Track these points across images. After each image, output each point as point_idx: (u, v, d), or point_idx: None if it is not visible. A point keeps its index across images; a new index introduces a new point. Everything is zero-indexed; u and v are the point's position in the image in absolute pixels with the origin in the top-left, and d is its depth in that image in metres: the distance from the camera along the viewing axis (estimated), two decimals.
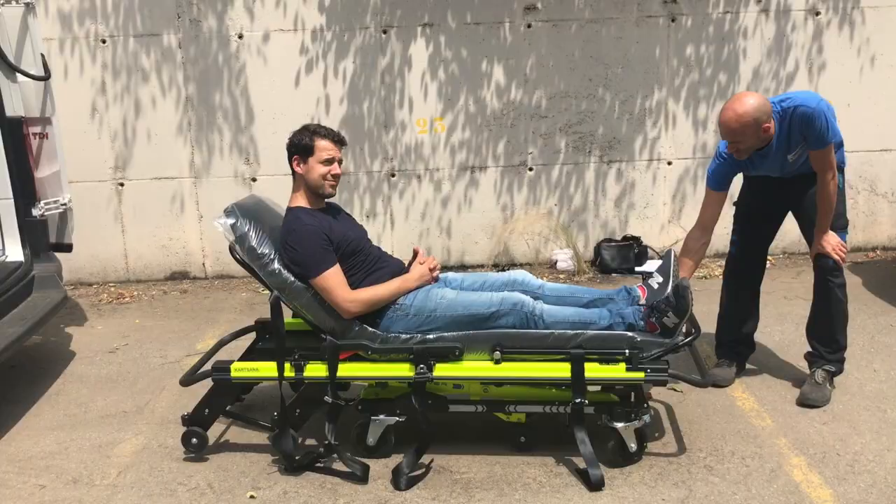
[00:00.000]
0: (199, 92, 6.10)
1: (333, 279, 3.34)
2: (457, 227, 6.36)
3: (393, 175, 6.25)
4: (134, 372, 4.60)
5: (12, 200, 4.59)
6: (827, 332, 3.93)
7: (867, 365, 4.27)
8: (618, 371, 3.25)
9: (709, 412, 3.82)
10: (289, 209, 3.54)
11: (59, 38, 5.98)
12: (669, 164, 6.27)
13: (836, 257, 3.75)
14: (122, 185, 6.21)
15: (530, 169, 6.27)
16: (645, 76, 6.13)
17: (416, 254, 3.68)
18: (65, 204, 4.95)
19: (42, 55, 4.84)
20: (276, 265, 3.39)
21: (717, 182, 3.87)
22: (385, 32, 6.03)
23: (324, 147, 3.47)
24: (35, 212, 4.65)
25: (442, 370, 3.31)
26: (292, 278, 3.38)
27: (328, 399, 3.35)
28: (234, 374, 3.44)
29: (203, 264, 6.40)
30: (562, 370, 3.26)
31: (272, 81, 6.06)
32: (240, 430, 3.79)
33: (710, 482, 3.20)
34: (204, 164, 6.21)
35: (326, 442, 3.35)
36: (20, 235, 4.63)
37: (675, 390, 4.05)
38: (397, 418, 3.42)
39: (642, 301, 3.43)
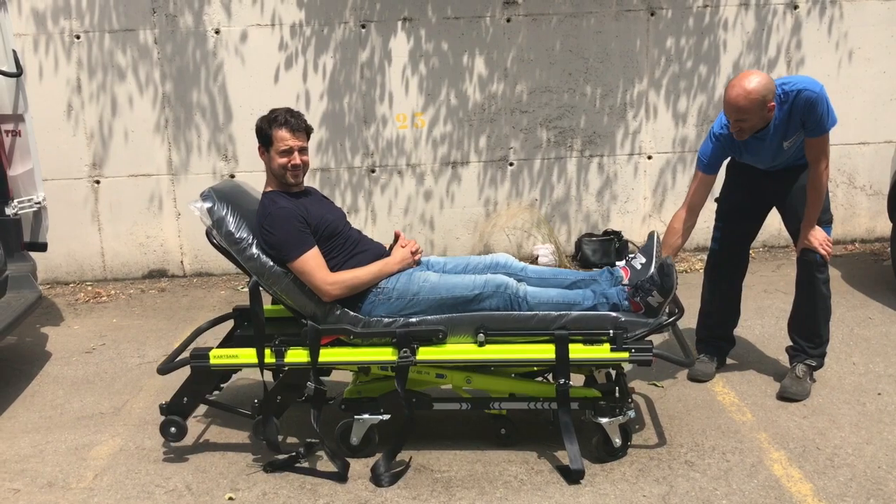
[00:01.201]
0: (177, 89, 6.03)
1: (312, 262, 3.29)
2: (439, 222, 6.34)
3: (373, 171, 6.21)
4: (111, 372, 4.54)
5: None
6: (810, 327, 3.93)
7: (846, 358, 4.28)
8: (602, 351, 3.23)
9: (689, 407, 3.82)
10: (264, 193, 3.48)
11: (34, 36, 5.89)
12: (650, 157, 6.27)
13: (823, 252, 3.76)
14: (98, 182, 6.14)
15: (511, 163, 6.25)
16: (625, 70, 6.12)
17: (397, 237, 3.63)
18: (39, 202, 4.88)
19: (14, 51, 4.76)
20: (254, 250, 3.33)
21: (709, 164, 3.81)
22: (364, 27, 5.99)
23: (281, 138, 3.40)
24: (8, 210, 4.59)
25: (426, 353, 3.27)
26: (271, 263, 3.32)
27: (310, 385, 3.30)
28: (213, 360, 3.39)
29: (181, 262, 6.34)
30: (546, 351, 3.24)
31: (250, 78, 6.01)
32: (218, 430, 3.75)
33: (691, 478, 3.20)
34: (182, 162, 6.14)
35: (307, 440, 3.32)
36: None
37: (655, 385, 4.05)
38: (381, 417, 3.39)
39: (625, 281, 3.42)
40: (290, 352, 3.33)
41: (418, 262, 3.55)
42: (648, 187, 6.34)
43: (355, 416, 3.40)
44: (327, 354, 3.33)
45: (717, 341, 4.19)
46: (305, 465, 3.38)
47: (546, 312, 3.28)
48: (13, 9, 5.72)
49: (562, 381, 3.24)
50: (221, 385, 3.79)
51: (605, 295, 3.35)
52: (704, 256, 4.37)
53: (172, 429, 3.46)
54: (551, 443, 3.47)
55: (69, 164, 6.08)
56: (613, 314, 3.27)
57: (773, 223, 4.07)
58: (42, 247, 4.95)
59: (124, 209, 6.20)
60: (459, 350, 3.30)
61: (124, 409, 4.05)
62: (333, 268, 3.35)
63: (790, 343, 4.02)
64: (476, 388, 3.44)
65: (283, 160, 3.40)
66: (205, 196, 3.40)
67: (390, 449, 3.31)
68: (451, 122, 6.17)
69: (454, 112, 6.15)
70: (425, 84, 6.10)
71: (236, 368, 3.56)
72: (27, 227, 4.83)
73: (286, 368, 3.39)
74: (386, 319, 3.33)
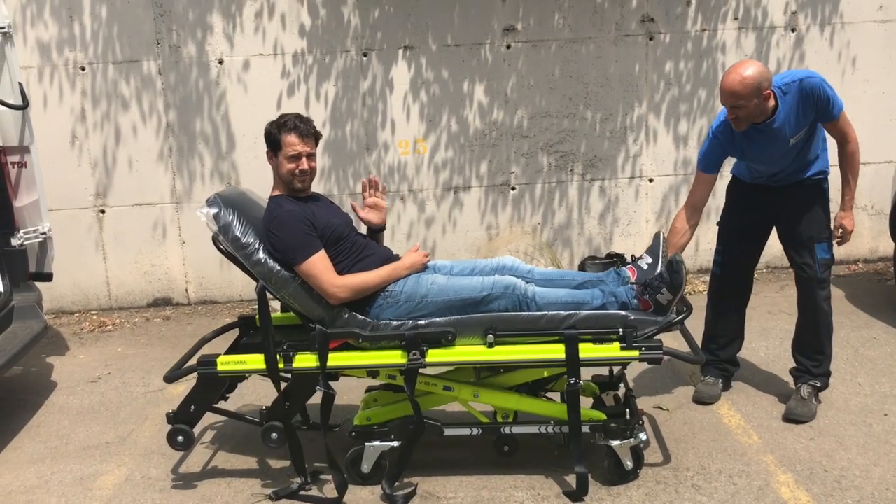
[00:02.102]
0: (180, 118, 6.09)
1: (319, 265, 3.28)
2: (441, 247, 6.36)
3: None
4: (116, 402, 4.55)
5: None
6: (813, 347, 3.93)
7: (852, 379, 4.28)
8: (612, 350, 3.22)
9: (695, 430, 3.81)
10: (271, 198, 3.49)
11: (38, 67, 5.96)
12: (651, 181, 6.30)
13: (842, 240, 3.87)
14: (103, 212, 6.17)
15: (513, 188, 6.28)
16: (624, 94, 6.16)
17: (365, 185, 3.65)
18: (44, 233, 4.91)
19: (20, 84, 4.81)
20: (261, 254, 3.32)
21: (709, 163, 3.81)
22: (366, 55, 6.05)
23: (290, 143, 3.40)
24: (14, 241, 4.62)
25: (435, 356, 3.25)
26: (278, 267, 3.31)
27: (319, 389, 3.29)
28: (220, 367, 3.36)
29: (186, 290, 6.36)
30: (556, 351, 3.22)
31: (253, 106, 6.06)
32: (225, 457, 3.75)
33: (698, 501, 3.19)
34: (185, 190, 6.18)
35: (315, 465, 3.31)
36: None
37: (661, 408, 4.05)
38: (391, 444, 3.38)
39: (632, 281, 3.41)
40: (298, 356, 3.31)
41: (426, 267, 3.54)
42: (651, 210, 6.36)
43: (366, 444, 3.39)
44: (336, 358, 3.30)
45: (723, 364, 4.19)
46: (312, 492, 3.37)
47: (555, 312, 3.26)
48: (19, 41, 5.79)
49: (572, 380, 3.22)
50: (226, 395, 3.73)
51: (614, 294, 3.33)
52: (707, 279, 4.37)
53: (180, 437, 3.43)
54: (557, 467, 3.46)
55: (74, 193, 6.12)
56: (622, 313, 3.25)
57: (777, 244, 4.07)
58: (47, 277, 4.97)
59: (129, 238, 6.23)
60: (469, 352, 3.28)
61: (130, 439, 4.05)
62: (341, 272, 3.34)
63: (794, 364, 4.02)
64: (483, 403, 3.42)
65: (291, 165, 3.42)
66: (210, 202, 3.41)
67: (399, 458, 3.29)
68: (452, 147, 6.21)
69: (455, 138, 6.19)
70: (426, 111, 6.15)
71: (244, 374, 3.53)
72: (33, 257, 4.85)
73: (292, 374, 3.36)
74: (394, 322, 3.32)
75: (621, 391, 3.72)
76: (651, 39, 6.09)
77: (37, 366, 5.20)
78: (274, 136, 3.44)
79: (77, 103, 6.03)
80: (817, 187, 3.86)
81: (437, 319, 3.30)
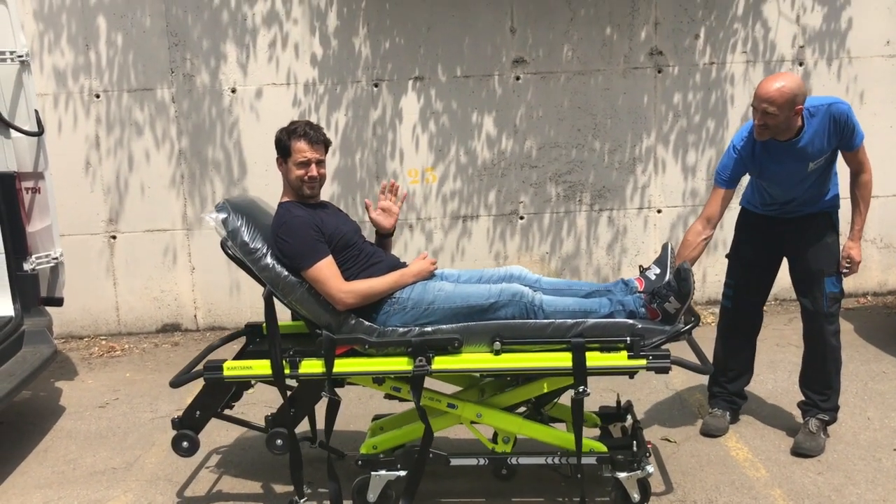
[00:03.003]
0: (192, 145, 6.15)
1: (326, 270, 3.28)
2: None
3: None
4: (124, 427, 4.56)
5: (3, 255, 4.59)
6: (820, 381, 3.91)
7: (861, 413, 4.25)
8: (619, 359, 3.19)
9: (703, 463, 3.79)
10: (280, 204, 3.51)
11: (54, 94, 6.05)
12: (659, 211, 6.32)
13: (849, 271, 3.85)
14: (114, 237, 6.23)
15: (521, 217, 6.31)
16: (633, 125, 6.20)
17: (377, 194, 3.67)
18: (56, 258, 4.96)
19: (36, 111, 4.89)
20: (269, 259, 3.33)
21: (727, 178, 3.80)
22: (377, 86, 6.11)
23: (299, 149, 3.43)
24: (26, 266, 4.66)
25: (441, 363, 3.24)
26: (285, 272, 3.32)
27: (325, 395, 3.29)
28: (226, 372, 3.36)
29: (195, 316, 6.38)
30: (563, 359, 3.20)
31: (265, 135, 6.10)
32: (231, 482, 3.75)
33: None
34: (196, 216, 6.23)
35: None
36: (10, 290, 4.62)
37: (668, 440, 4.03)
38: (398, 473, 3.37)
39: (640, 291, 3.40)
40: (304, 362, 3.30)
41: (433, 274, 3.55)
42: (659, 241, 6.37)
43: (372, 472, 3.38)
44: (342, 365, 3.29)
45: (731, 396, 4.17)
46: None
47: (562, 321, 3.24)
48: (35, 68, 5.88)
49: (580, 388, 3.19)
50: (232, 403, 3.73)
51: (622, 302, 3.32)
52: (716, 310, 4.37)
53: (185, 443, 3.42)
54: (561, 496, 3.45)
55: (86, 219, 6.17)
56: (630, 321, 3.24)
57: (785, 276, 4.08)
58: (58, 302, 5.01)
59: (139, 264, 6.27)
60: (475, 359, 3.27)
61: (136, 465, 4.05)
62: (348, 279, 3.34)
63: (802, 398, 4.01)
64: (485, 424, 3.41)
65: (301, 172, 3.44)
66: (220, 207, 3.43)
67: (406, 488, 3.28)
68: (461, 177, 6.25)
69: (464, 168, 6.24)
70: (436, 140, 6.20)
71: (249, 380, 3.52)
72: (44, 282, 4.90)
73: (298, 380, 3.36)
74: (401, 329, 3.31)
75: (628, 422, 3.71)
76: (659, 72, 6.14)
77: (45, 390, 5.22)
78: (284, 143, 3.47)
79: (91, 130, 6.11)
80: (827, 220, 3.87)
81: (444, 326, 3.29)
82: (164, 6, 5.98)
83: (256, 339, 3.85)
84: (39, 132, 4.86)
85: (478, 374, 3.61)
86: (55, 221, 5.06)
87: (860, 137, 3.68)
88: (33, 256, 4.72)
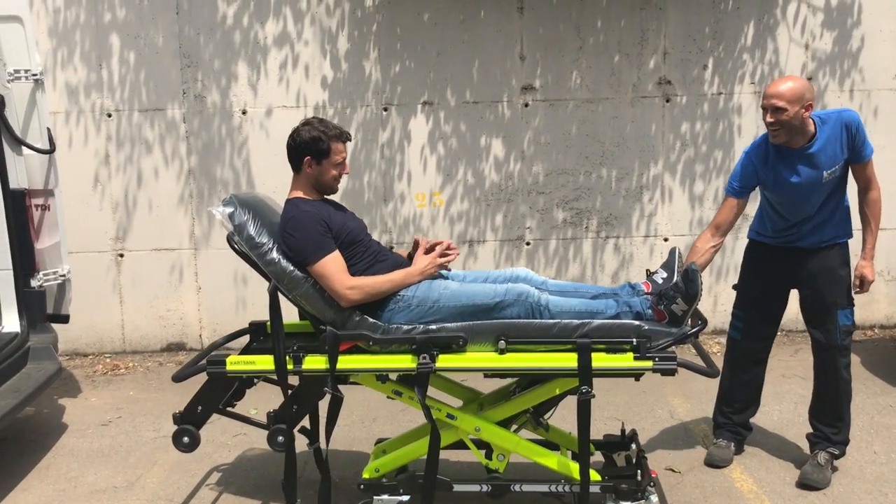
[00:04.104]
0: (202, 164, 6.19)
1: (332, 265, 3.27)
2: None
3: (392, 247, 6.29)
4: (126, 446, 4.54)
5: (11, 271, 4.61)
6: (832, 414, 3.89)
7: (867, 447, 4.22)
8: (625, 360, 3.16)
9: (707, 494, 3.76)
10: (288, 200, 3.51)
11: (66, 111, 6.09)
12: (666, 240, 6.32)
13: (861, 290, 3.86)
14: (121, 255, 6.25)
15: (528, 243, 6.32)
16: (640, 153, 6.22)
17: (416, 244, 3.60)
18: (64, 275, 4.98)
19: (48, 129, 4.92)
20: (275, 254, 3.32)
21: (739, 187, 3.81)
22: (386, 109, 6.15)
23: (338, 150, 3.46)
24: (34, 282, 4.67)
25: (445, 361, 3.21)
26: (291, 267, 3.30)
27: (328, 391, 3.25)
28: (229, 367, 3.33)
29: (200, 336, 6.38)
30: (568, 360, 3.17)
31: (274, 156, 6.15)
32: (232, 499, 3.74)
33: None
34: (204, 235, 6.25)
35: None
36: (17, 306, 4.63)
37: (672, 470, 4.00)
38: (400, 499, 3.34)
39: (647, 293, 3.38)
40: (308, 358, 3.28)
41: (446, 270, 3.53)
42: None
43: (374, 497, 3.36)
44: (346, 361, 3.27)
45: (736, 427, 4.14)
46: None
47: (568, 321, 3.22)
48: (48, 84, 5.92)
49: (584, 389, 3.16)
50: (234, 401, 3.68)
51: (629, 304, 3.30)
52: (723, 340, 4.35)
53: (185, 438, 3.40)
54: None
55: (94, 237, 6.20)
56: (636, 323, 3.21)
57: (791, 308, 4.06)
58: (64, 319, 5.02)
59: (146, 282, 6.29)
60: (480, 358, 3.24)
61: (138, 484, 4.04)
62: (354, 275, 3.33)
63: (811, 430, 3.98)
64: (483, 438, 3.38)
65: (336, 171, 3.49)
66: (226, 202, 3.43)
67: (427, 481, 3.26)
68: (468, 200, 6.27)
69: (471, 191, 6.26)
70: (443, 164, 6.23)
71: (252, 375, 3.48)
72: (51, 298, 4.90)
73: (301, 376, 3.34)
74: (405, 326, 3.29)
75: (632, 451, 3.69)
76: (668, 101, 6.17)
77: (49, 407, 5.21)
78: (323, 145, 3.44)
79: (101, 147, 6.15)
80: (838, 251, 3.85)
81: (449, 325, 3.27)
82: (178, 27, 6.04)
83: (260, 338, 3.83)
84: (51, 150, 4.89)
85: (479, 392, 3.58)
86: (64, 238, 5.08)
87: (870, 150, 3.70)
88: (41, 273, 4.73)
